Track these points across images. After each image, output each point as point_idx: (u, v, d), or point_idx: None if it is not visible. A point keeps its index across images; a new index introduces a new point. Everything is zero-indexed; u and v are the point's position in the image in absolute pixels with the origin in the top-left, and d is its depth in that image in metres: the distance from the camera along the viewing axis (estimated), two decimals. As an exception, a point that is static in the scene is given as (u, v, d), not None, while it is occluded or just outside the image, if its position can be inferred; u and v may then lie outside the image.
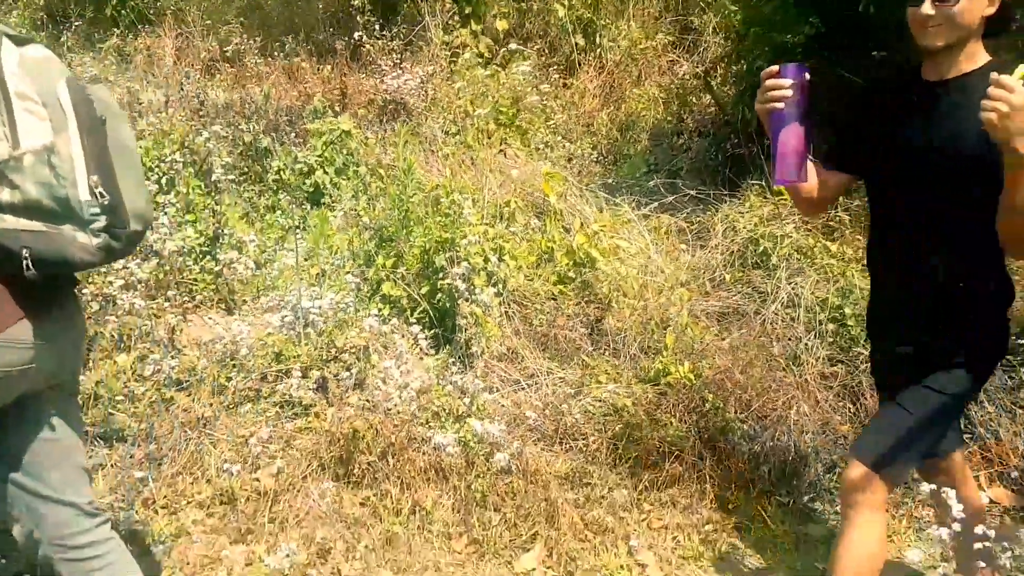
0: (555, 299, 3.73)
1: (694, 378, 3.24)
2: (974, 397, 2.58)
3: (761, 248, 4.30)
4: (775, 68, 1.92)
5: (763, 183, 4.69)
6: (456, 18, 7.07)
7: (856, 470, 2.01)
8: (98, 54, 9.12)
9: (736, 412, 3.23)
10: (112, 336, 3.22)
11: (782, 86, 1.90)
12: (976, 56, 1.91)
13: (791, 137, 1.93)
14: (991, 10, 1.86)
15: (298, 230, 4.43)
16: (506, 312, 3.60)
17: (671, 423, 3.14)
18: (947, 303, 2.02)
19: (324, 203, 4.79)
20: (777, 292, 3.92)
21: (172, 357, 3.17)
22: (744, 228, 4.51)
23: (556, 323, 3.60)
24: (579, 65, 7.59)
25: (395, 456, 2.84)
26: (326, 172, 4.85)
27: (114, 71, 8.00)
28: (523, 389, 3.38)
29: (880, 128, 2.06)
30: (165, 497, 2.64)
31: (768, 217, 4.46)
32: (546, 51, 7.76)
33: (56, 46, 9.45)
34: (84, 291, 3.26)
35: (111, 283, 3.38)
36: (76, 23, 9.81)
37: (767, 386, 3.32)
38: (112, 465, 2.73)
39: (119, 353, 3.14)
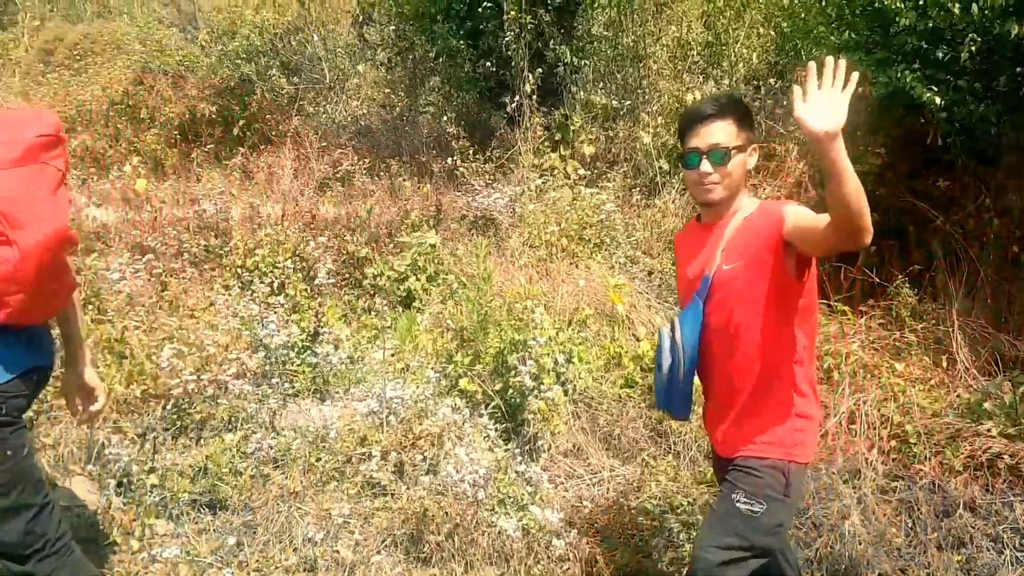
0: (621, 401, 3.96)
1: (749, 481, 3.37)
2: None
3: (827, 364, 4.45)
4: None
5: (830, 304, 4.87)
6: (547, 143, 7.65)
7: None
8: (224, 170, 10.13)
9: (792, 519, 3.33)
10: (222, 417, 3.64)
11: None
12: None
13: None
14: None
15: (389, 330, 4.84)
16: (574, 411, 3.86)
17: (725, 524, 3.27)
18: None
19: (415, 307, 5.22)
20: (840, 407, 4.04)
21: (271, 438, 3.55)
22: (812, 344, 4.67)
23: (620, 423, 3.82)
24: (662, 187, 8.00)
25: (461, 537, 3.09)
26: (418, 279, 5.30)
27: (238, 186, 8.89)
28: (586, 484, 3.59)
29: None
30: (257, 561, 2.95)
31: (834, 335, 4.62)
32: (631, 173, 8.23)
33: (186, 162, 10.58)
34: (202, 377, 3.71)
35: (225, 370, 3.83)
36: (207, 142, 10.91)
37: (823, 496, 3.42)
38: (214, 530, 3.07)
39: (227, 432, 3.54)
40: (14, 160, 1.98)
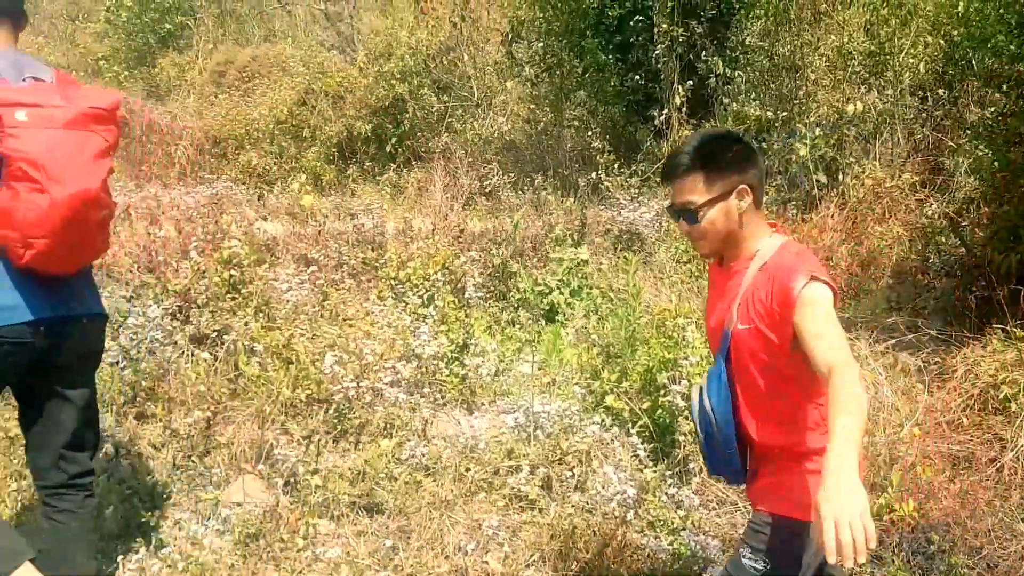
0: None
1: (919, 517, 3.17)
2: None
3: (1003, 394, 4.12)
4: None
5: (1006, 328, 4.51)
6: (696, 156, 7.52)
7: None
8: (376, 185, 10.57)
9: (964, 558, 3.10)
10: (378, 423, 3.79)
11: None
12: None
13: None
14: None
15: (534, 343, 4.89)
16: (725, 434, 3.75)
17: (893, 561, 3.08)
18: None
19: (559, 320, 5.24)
20: (1018, 440, 3.73)
21: (424, 445, 3.66)
22: (986, 372, 4.34)
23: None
24: (819, 201, 7.65)
25: (610, 558, 3.06)
26: (562, 293, 5.33)
27: (389, 201, 9.26)
28: (740, 511, 3.48)
29: None
30: (411, 566, 3.03)
31: (1012, 363, 4.27)
32: (785, 187, 7.93)
33: (342, 178, 11.11)
34: (360, 384, 3.88)
35: (381, 378, 3.99)
36: (362, 159, 11.37)
37: (1000, 535, 3.16)
38: (371, 533, 3.19)
39: (383, 438, 3.68)
40: (65, 122, 2.25)
